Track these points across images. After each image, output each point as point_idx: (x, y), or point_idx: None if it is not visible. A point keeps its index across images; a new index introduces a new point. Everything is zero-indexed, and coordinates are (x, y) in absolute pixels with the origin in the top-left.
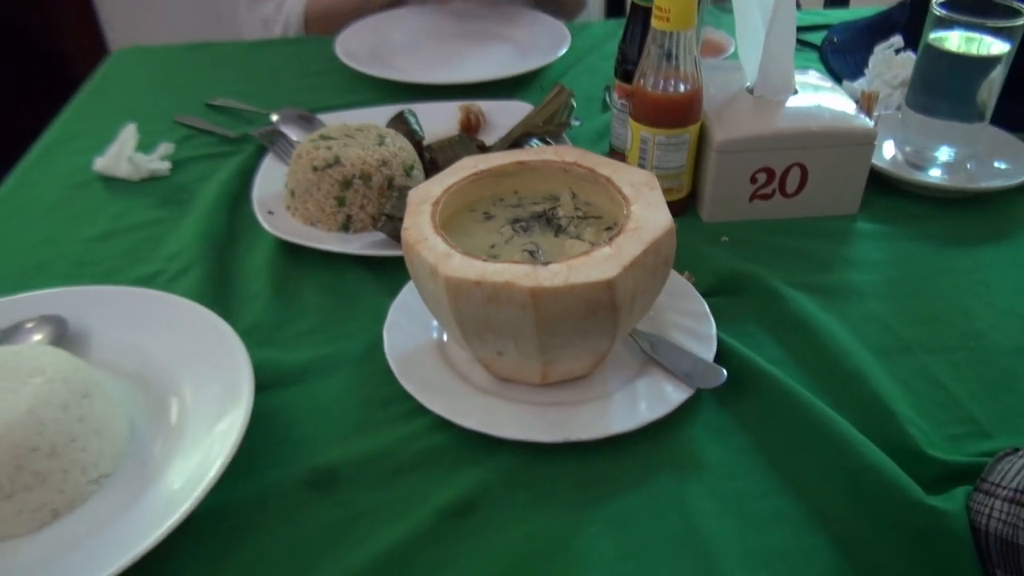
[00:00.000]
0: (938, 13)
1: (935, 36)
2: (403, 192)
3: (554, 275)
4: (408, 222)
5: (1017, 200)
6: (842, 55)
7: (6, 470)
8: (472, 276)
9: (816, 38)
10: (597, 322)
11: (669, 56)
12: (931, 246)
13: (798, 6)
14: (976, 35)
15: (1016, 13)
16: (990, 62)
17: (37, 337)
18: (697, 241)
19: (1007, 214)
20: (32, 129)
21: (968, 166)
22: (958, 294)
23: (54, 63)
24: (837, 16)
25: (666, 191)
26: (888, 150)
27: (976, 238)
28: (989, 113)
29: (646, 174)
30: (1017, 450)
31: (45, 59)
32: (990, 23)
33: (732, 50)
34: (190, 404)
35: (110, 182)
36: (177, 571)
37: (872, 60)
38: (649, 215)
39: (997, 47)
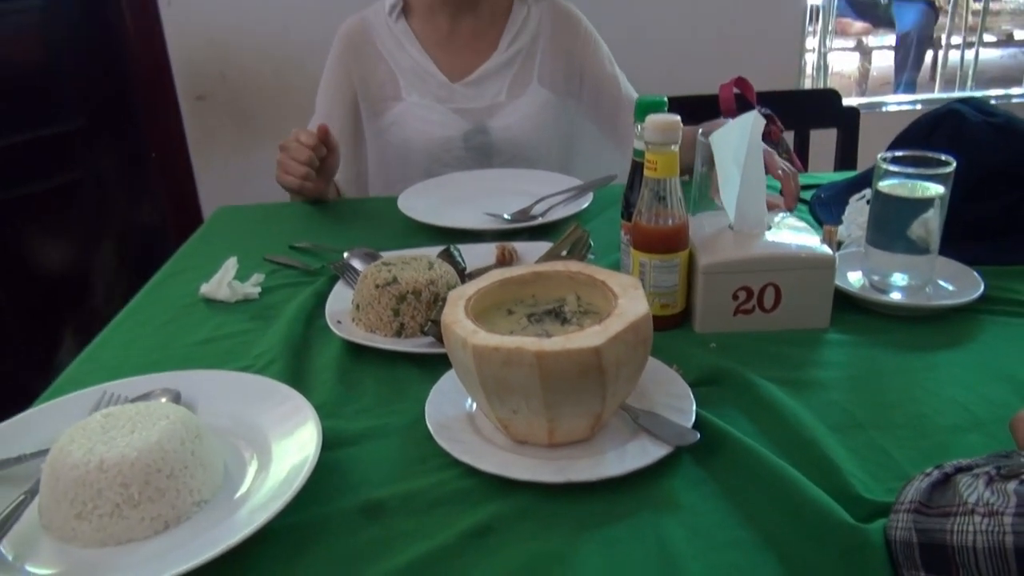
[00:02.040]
0: (884, 166)
1: (883, 184)
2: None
3: (554, 343)
4: (447, 310)
5: (967, 316)
6: (826, 206)
7: (138, 484)
8: (492, 344)
9: (809, 195)
10: (589, 382)
11: (659, 197)
12: (890, 352)
13: (804, 169)
14: (915, 182)
15: (945, 163)
16: (927, 202)
17: (162, 400)
18: (688, 346)
19: (957, 327)
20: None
21: (926, 289)
22: (909, 387)
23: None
24: (827, 178)
25: (663, 307)
26: (856, 278)
27: (930, 345)
28: (935, 247)
29: (632, 279)
30: (918, 476)
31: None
32: (924, 171)
33: None
34: (271, 454)
35: (211, 303)
36: (257, 568)
37: (848, 209)
38: (631, 306)
39: (932, 190)
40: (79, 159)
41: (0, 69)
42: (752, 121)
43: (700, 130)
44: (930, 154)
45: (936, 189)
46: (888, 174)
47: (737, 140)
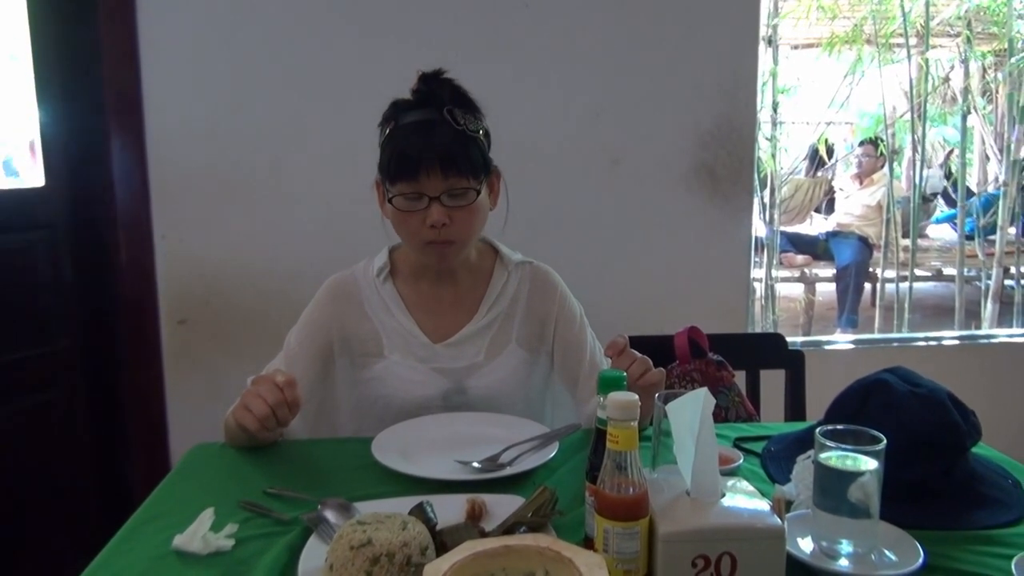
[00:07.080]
0: (821, 440)
1: (822, 456)
2: (419, 568)
3: None
4: None
5: None
6: (777, 462)
7: None
8: None
9: (760, 446)
10: None
11: (620, 468)
12: None
13: (757, 415)
14: (850, 454)
15: (877, 440)
16: (862, 474)
17: None
18: None
19: None
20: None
21: (872, 556)
22: None
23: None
24: (777, 428)
25: (626, 573)
26: (807, 544)
27: None
28: (875, 511)
29: (598, 558)
30: None
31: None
32: (858, 447)
33: None
34: None
35: (183, 555)
36: None
37: (796, 468)
38: None
39: (866, 463)
40: (56, 379)
41: None
42: (703, 397)
43: (656, 395)
44: (863, 429)
45: (869, 463)
46: (824, 447)
47: (691, 413)
